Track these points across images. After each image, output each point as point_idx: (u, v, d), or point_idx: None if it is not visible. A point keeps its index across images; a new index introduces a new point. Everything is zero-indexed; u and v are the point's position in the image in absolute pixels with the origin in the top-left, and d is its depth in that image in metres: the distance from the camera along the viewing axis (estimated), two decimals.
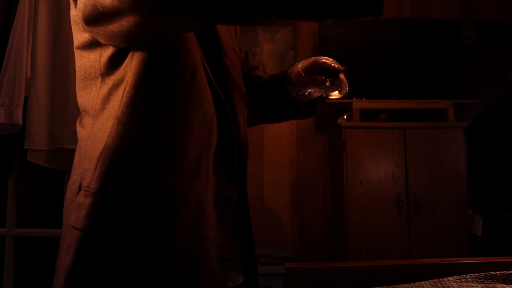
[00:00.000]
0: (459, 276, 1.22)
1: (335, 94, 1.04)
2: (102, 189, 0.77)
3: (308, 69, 1.01)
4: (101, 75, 0.82)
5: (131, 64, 0.78)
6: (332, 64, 0.99)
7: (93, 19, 0.74)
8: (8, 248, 2.47)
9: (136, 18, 0.68)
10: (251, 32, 3.07)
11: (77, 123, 0.89)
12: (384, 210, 2.60)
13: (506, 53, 3.14)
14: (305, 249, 2.97)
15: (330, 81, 0.98)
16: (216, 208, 0.84)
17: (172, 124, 0.79)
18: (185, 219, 0.79)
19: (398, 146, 2.65)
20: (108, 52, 0.80)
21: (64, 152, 2.30)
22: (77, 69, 0.88)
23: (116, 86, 0.79)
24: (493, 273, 1.24)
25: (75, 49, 0.88)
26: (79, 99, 0.88)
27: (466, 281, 1.19)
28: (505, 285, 1.15)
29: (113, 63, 0.80)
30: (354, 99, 2.74)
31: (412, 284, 1.20)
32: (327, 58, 1.01)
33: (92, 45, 0.82)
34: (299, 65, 1.03)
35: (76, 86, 0.88)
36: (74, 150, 2.36)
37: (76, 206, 0.79)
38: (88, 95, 0.84)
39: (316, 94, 1.04)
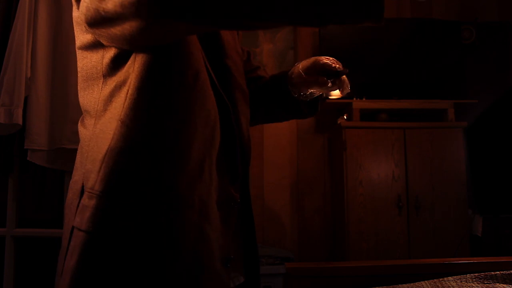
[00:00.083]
0: (459, 276, 1.22)
1: (336, 94, 1.04)
2: (106, 191, 0.77)
3: (309, 70, 1.01)
4: (103, 76, 0.82)
5: (134, 66, 0.78)
6: (333, 65, 0.99)
7: (96, 22, 0.74)
8: (8, 248, 2.47)
9: (139, 23, 0.69)
10: (251, 32, 3.07)
11: (79, 123, 0.89)
12: (384, 210, 2.59)
13: (506, 53, 3.14)
14: (305, 249, 2.97)
15: (331, 82, 0.98)
16: (219, 208, 0.85)
17: (175, 126, 0.80)
18: (189, 220, 0.79)
19: (398, 146, 2.65)
20: (110, 53, 0.80)
21: (64, 152, 2.30)
22: (78, 69, 0.88)
23: (118, 87, 0.79)
24: (493, 273, 1.24)
25: (77, 49, 0.88)
26: (80, 99, 0.88)
27: (466, 281, 1.19)
28: (505, 285, 1.15)
29: (115, 65, 0.80)
30: (354, 99, 2.74)
31: (412, 284, 1.20)
32: (328, 58, 1.01)
33: (94, 46, 0.82)
34: (300, 66, 1.03)
35: (78, 86, 0.89)
36: (74, 150, 2.35)
37: (81, 207, 0.79)
38: (89, 95, 0.84)
39: (317, 94, 1.04)
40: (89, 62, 0.84)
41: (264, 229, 2.93)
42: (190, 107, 0.80)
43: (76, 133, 2.43)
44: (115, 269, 0.76)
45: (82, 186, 0.81)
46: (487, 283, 1.17)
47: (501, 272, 1.24)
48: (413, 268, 1.40)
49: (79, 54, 0.87)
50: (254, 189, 2.93)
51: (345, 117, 2.79)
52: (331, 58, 1.01)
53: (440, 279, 1.21)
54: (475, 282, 1.18)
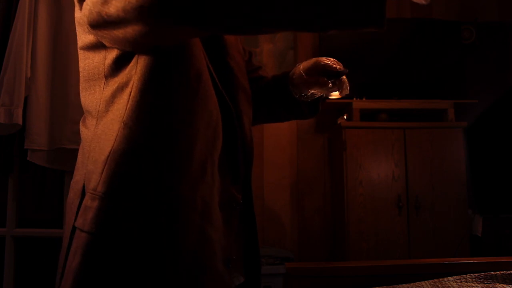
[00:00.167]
0: (459, 276, 1.22)
1: (335, 95, 1.04)
2: (109, 192, 0.77)
3: (310, 70, 1.01)
4: (104, 77, 0.82)
5: (136, 68, 0.78)
6: (334, 65, 0.99)
7: (98, 25, 0.75)
8: (8, 248, 2.47)
9: (141, 27, 0.69)
10: None
11: (81, 123, 0.90)
12: (384, 210, 2.59)
13: (506, 53, 3.14)
14: (305, 249, 2.97)
15: (332, 82, 0.99)
16: (221, 209, 0.85)
17: (177, 128, 0.80)
18: (191, 221, 0.79)
19: (398, 146, 2.65)
20: (113, 54, 0.80)
21: (64, 152, 2.30)
22: (80, 69, 0.88)
23: (120, 89, 0.80)
24: (493, 273, 1.24)
25: (79, 50, 0.88)
26: (82, 99, 0.88)
27: (466, 281, 1.19)
28: (505, 285, 1.15)
29: (118, 66, 0.80)
30: (354, 99, 2.74)
31: (412, 284, 1.20)
32: (329, 58, 1.01)
33: (96, 46, 0.82)
34: (301, 66, 1.03)
35: (80, 86, 0.89)
36: (74, 150, 2.35)
37: (83, 208, 0.79)
38: (91, 96, 0.84)
39: (318, 94, 1.04)
40: (91, 63, 0.84)
41: (264, 229, 2.93)
42: (193, 109, 0.80)
43: (76, 133, 2.44)
44: (118, 270, 0.76)
45: (83, 186, 0.81)
46: (487, 283, 1.18)
47: (501, 272, 1.24)
48: (413, 268, 1.40)
49: (81, 54, 0.87)
50: (254, 189, 2.90)
51: (345, 117, 2.79)
52: (331, 59, 1.01)
53: (440, 279, 1.21)
54: (475, 282, 1.18)
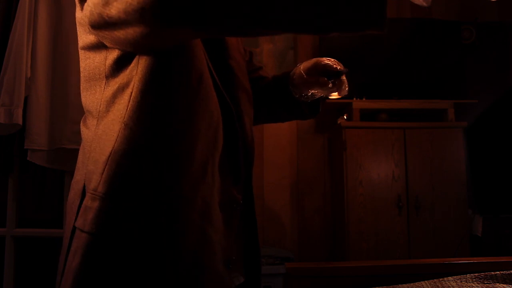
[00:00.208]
0: (459, 276, 1.22)
1: (334, 95, 1.04)
2: (109, 193, 0.77)
3: (310, 71, 1.02)
4: (105, 77, 0.82)
5: (137, 69, 0.78)
6: (334, 65, 1.00)
7: (99, 26, 0.75)
8: (8, 248, 2.47)
9: (142, 29, 0.69)
10: None
11: (81, 123, 0.90)
12: (384, 210, 2.59)
13: (506, 53, 3.14)
14: (305, 249, 2.97)
15: (332, 82, 0.99)
16: (221, 210, 0.85)
17: (178, 129, 0.80)
18: (192, 222, 0.79)
19: (398, 146, 2.65)
20: (113, 54, 0.80)
21: (64, 152, 2.30)
22: (81, 69, 0.88)
23: (121, 89, 0.80)
24: (493, 273, 1.23)
25: (79, 49, 0.88)
26: (83, 99, 0.88)
27: (466, 281, 1.19)
28: (505, 285, 1.15)
29: (119, 66, 0.80)
30: (354, 99, 2.74)
31: (412, 284, 1.20)
32: (329, 59, 1.01)
33: (97, 47, 0.82)
34: (301, 66, 1.04)
35: (80, 86, 0.89)
36: (74, 150, 2.35)
37: (83, 209, 0.79)
38: (92, 96, 0.84)
39: (319, 95, 1.04)
40: (92, 63, 0.84)
41: (264, 229, 2.93)
42: (194, 109, 0.80)
43: (76, 133, 2.44)
44: (118, 270, 0.76)
45: (84, 186, 0.81)
46: (487, 283, 1.18)
47: (501, 272, 1.24)
48: (413, 268, 1.40)
49: (82, 54, 0.87)
50: (254, 189, 2.91)
51: (345, 117, 2.79)
52: (332, 60, 1.01)
53: (440, 279, 1.21)
54: (475, 282, 1.18)
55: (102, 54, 0.82)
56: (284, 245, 2.95)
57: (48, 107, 2.29)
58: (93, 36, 0.81)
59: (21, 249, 2.53)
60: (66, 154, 2.30)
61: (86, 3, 0.77)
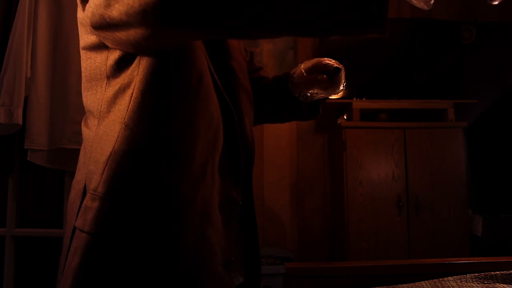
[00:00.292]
0: (459, 276, 1.22)
1: (333, 96, 1.04)
2: (109, 193, 0.77)
3: (311, 70, 1.02)
4: (106, 77, 0.82)
5: (139, 70, 0.78)
6: (335, 65, 1.00)
7: (101, 27, 0.75)
8: (8, 248, 2.47)
9: (144, 30, 0.70)
10: None
11: (82, 123, 0.90)
12: (384, 210, 2.59)
13: (506, 53, 3.14)
14: (305, 249, 2.97)
15: (330, 80, 0.99)
16: (221, 211, 0.85)
17: (179, 129, 0.80)
18: (192, 223, 0.79)
19: (398, 146, 2.65)
20: (115, 55, 0.80)
21: (64, 152, 2.30)
22: (82, 69, 0.88)
23: (122, 90, 0.80)
24: (493, 273, 1.23)
25: (81, 50, 0.88)
26: (84, 99, 0.88)
27: (466, 281, 1.19)
28: (505, 285, 1.15)
29: (120, 66, 0.80)
30: (354, 99, 2.74)
31: (412, 284, 1.20)
32: (330, 59, 1.02)
33: (99, 47, 0.82)
34: (302, 65, 1.04)
35: (82, 86, 0.89)
36: (74, 150, 2.35)
37: (83, 209, 0.80)
38: (93, 96, 0.85)
39: (318, 96, 1.05)
40: (93, 63, 0.84)
41: (264, 229, 2.93)
42: (194, 110, 0.80)
43: (76, 133, 2.44)
44: (117, 271, 0.76)
45: (85, 186, 0.82)
46: (487, 283, 1.17)
47: (501, 272, 1.24)
48: (413, 268, 1.40)
49: (83, 54, 0.87)
50: (254, 189, 2.90)
51: (345, 117, 2.79)
52: (333, 60, 1.01)
53: (440, 279, 1.21)
54: (475, 282, 1.18)
55: (104, 54, 0.82)
56: (284, 245, 2.95)
57: (48, 107, 2.29)
58: (95, 36, 0.82)
59: (21, 249, 2.53)
60: (66, 154, 2.30)
61: (87, 4, 0.77)
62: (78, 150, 0.91)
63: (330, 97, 1.08)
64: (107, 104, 0.81)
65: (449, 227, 2.58)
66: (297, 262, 2.72)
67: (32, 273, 2.63)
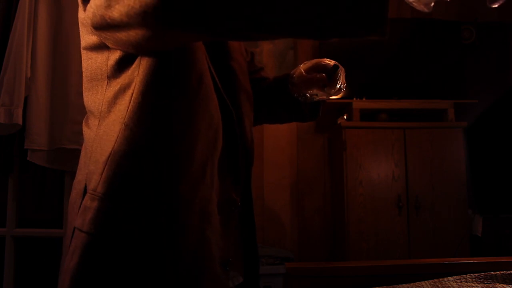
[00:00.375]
0: (459, 276, 1.22)
1: (332, 97, 1.05)
2: (108, 193, 0.77)
3: (310, 70, 1.02)
4: (107, 78, 0.82)
5: (139, 70, 0.79)
6: (334, 64, 1.00)
7: (102, 27, 0.75)
8: (8, 248, 2.47)
9: (144, 31, 0.70)
10: None
11: (83, 123, 0.90)
12: (384, 210, 2.59)
13: (506, 53, 3.14)
14: (305, 249, 2.97)
15: (329, 79, 0.99)
16: (220, 212, 0.85)
17: (179, 130, 0.80)
18: (191, 223, 0.79)
19: (398, 146, 2.65)
20: (115, 55, 0.81)
21: (64, 152, 2.30)
22: (83, 69, 0.88)
23: (122, 90, 0.80)
24: (493, 273, 1.23)
25: (82, 50, 0.88)
26: (85, 99, 0.88)
27: (466, 281, 1.19)
28: (505, 285, 1.15)
29: (120, 67, 0.80)
30: (354, 99, 2.74)
31: (412, 284, 1.20)
32: (330, 60, 1.02)
33: (99, 47, 0.83)
34: (302, 66, 1.04)
35: (82, 86, 0.89)
36: (74, 150, 2.34)
37: (82, 209, 0.80)
38: (94, 96, 0.85)
39: (318, 97, 1.05)
40: (94, 63, 0.84)
41: (264, 229, 2.93)
42: (194, 110, 0.81)
43: (76, 133, 2.43)
44: (116, 271, 0.76)
45: (85, 186, 0.82)
46: (487, 283, 1.17)
47: (501, 272, 1.24)
48: (413, 268, 1.40)
49: (84, 54, 0.87)
50: (254, 189, 2.91)
51: (345, 117, 2.79)
52: (333, 61, 1.02)
53: (440, 279, 1.21)
54: (475, 282, 1.18)
55: (104, 54, 0.82)
56: (284, 245, 2.95)
57: (48, 107, 2.29)
58: (95, 36, 0.82)
59: (21, 249, 2.53)
60: (66, 154, 2.30)
61: (88, 4, 0.78)
62: (78, 150, 0.91)
63: (330, 98, 1.08)
64: (108, 104, 0.82)
65: (449, 227, 2.58)
66: (297, 262, 2.72)
67: (32, 273, 2.63)
